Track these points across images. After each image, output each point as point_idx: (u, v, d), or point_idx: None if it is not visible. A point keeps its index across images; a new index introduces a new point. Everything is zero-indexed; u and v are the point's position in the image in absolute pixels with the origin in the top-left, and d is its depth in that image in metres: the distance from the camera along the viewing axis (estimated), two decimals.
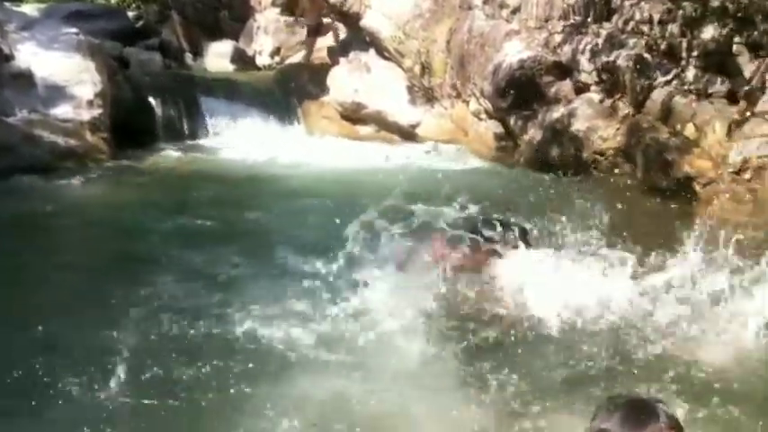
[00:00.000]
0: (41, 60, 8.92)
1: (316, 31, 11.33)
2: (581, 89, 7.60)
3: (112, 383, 3.48)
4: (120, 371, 3.53)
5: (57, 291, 4.65)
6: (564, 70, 7.75)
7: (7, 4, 13.78)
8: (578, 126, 7.43)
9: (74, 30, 10.12)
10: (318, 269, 4.56)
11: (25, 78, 8.60)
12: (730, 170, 6.14)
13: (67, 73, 8.86)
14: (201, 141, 10.24)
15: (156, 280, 4.77)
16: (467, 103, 9.31)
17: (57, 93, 8.63)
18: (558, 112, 7.68)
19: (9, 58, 8.73)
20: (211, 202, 6.87)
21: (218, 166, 8.79)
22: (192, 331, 4.05)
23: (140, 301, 4.41)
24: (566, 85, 7.77)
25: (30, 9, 13.39)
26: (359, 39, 11.89)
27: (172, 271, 4.94)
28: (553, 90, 7.82)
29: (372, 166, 8.56)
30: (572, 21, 7.73)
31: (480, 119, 8.97)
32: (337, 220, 5.22)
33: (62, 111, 8.41)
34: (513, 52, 8.10)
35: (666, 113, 6.72)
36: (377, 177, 7.88)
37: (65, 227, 6.03)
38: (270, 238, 5.75)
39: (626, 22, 7.24)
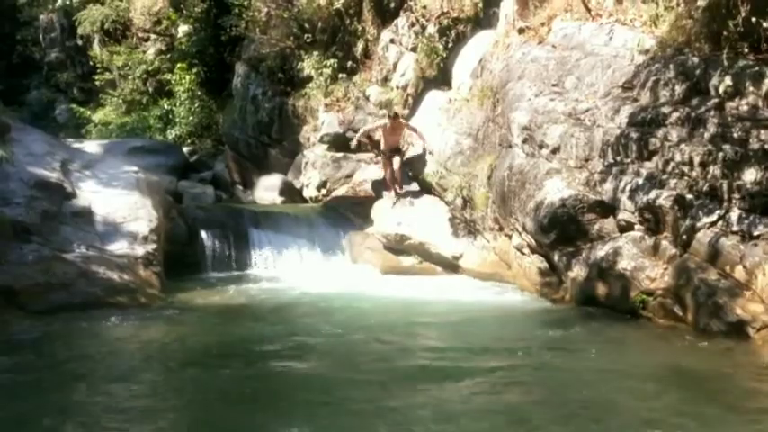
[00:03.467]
0: (102, 198, 9.41)
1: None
2: (624, 228, 7.61)
3: None
4: None
5: None
6: (606, 208, 7.81)
7: (70, 140, 14.77)
8: (624, 265, 7.39)
9: (134, 168, 10.72)
10: None
11: (85, 215, 9.02)
12: None
13: (125, 210, 9.28)
14: (249, 272, 10.48)
15: None
16: (509, 236, 9.39)
17: (114, 229, 9.00)
18: (602, 250, 7.67)
19: (71, 196, 9.23)
20: (264, 341, 6.76)
21: (266, 297, 8.86)
22: None
23: None
24: (609, 223, 7.81)
25: (92, 146, 14.26)
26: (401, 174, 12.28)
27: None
28: (596, 228, 7.85)
29: (421, 300, 8.56)
30: (611, 160, 7.87)
31: (523, 253, 9.01)
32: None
33: (118, 246, 8.72)
34: (555, 190, 8.23)
35: (714, 255, 6.65)
36: (429, 312, 7.85)
37: (113, 372, 5.93)
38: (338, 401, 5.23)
39: (666, 163, 7.34)
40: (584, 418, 4.68)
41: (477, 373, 5.68)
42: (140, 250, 8.80)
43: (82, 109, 20.57)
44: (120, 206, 9.32)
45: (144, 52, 19.86)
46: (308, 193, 13.70)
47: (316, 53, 13.85)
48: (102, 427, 4.66)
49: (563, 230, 8.04)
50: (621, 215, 7.61)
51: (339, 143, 13.35)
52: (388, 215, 11.57)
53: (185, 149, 16.93)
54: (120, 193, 9.61)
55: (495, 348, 6.40)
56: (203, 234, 10.76)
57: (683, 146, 7.16)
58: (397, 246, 10.82)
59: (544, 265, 8.59)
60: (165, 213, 10.01)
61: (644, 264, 7.25)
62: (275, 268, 10.60)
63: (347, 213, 11.88)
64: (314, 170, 13.61)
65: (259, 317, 7.92)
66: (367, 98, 13.07)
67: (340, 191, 13.27)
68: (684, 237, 6.95)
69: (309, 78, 13.98)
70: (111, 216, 9.10)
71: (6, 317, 7.10)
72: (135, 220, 9.19)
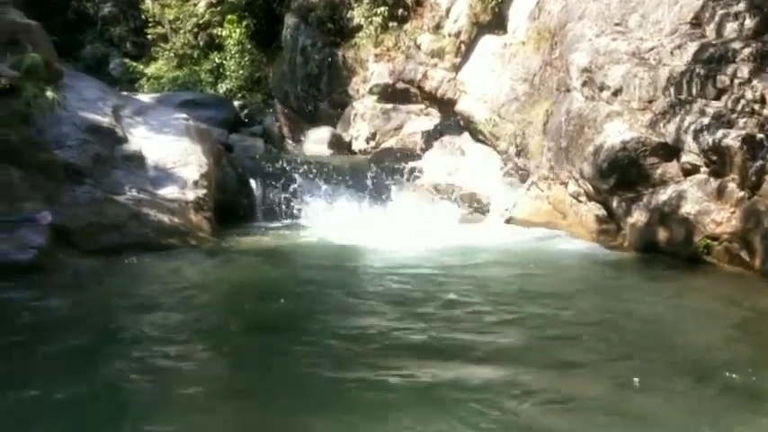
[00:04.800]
0: (153, 143, 9.40)
1: None
2: (689, 171, 7.23)
3: None
4: None
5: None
6: (670, 151, 7.42)
7: (125, 93, 14.89)
8: (688, 209, 7.03)
9: (184, 115, 10.70)
10: None
11: (137, 159, 9.05)
12: None
13: (176, 155, 9.27)
14: (298, 221, 10.43)
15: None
16: (565, 185, 9.07)
17: (165, 173, 9.00)
18: (665, 194, 7.31)
19: (122, 140, 9.25)
20: (311, 284, 6.73)
21: (315, 244, 8.82)
22: None
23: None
24: (672, 167, 7.43)
25: (145, 97, 14.35)
26: (453, 123, 12.03)
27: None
28: (659, 172, 7.49)
29: (475, 247, 8.31)
30: (676, 100, 7.45)
31: (580, 201, 8.70)
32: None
33: (169, 191, 8.73)
34: (615, 133, 7.86)
35: None
36: (484, 260, 7.63)
37: (165, 303, 5.99)
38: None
39: (736, 101, 6.90)
40: (659, 361, 4.45)
41: (543, 318, 5.44)
42: (191, 195, 8.81)
43: (135, 63, 20.76)
44: (171, 152, 9.30)
45: (195, 5, 19.84)
46: (357, 145, 13.55)
47: (366, 1, 13.55)
48: (155, 352, 4.72)
49: (623, 175, 7.69)
50: (686, 157, 7.22)
51: (389, 94, 13.10)
52: (439, 165, 11.36)
53: (236, 104, 16.92)
54: (170, 140, 9.60)
55: (559, 294, 6.15)
56: (253, 183, 10.75)
57: (754, 82, 6.72)
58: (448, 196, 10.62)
59: (602, 212, 8.28)
60: (215, 161, 9.99)
61: (709, 207, 6.88)
62: (324, 218, 10.53)
63: (397, 165, 11.70)
64: (363, 122, 13.43)
65: (308, 261, 7.87)
66: (418, 47, 12.74)
67: (389, 143, 13.08)
68: (753, 178, 6.56)
69: (359, 28, 13.71)
70: (161, 161, 9.10)
71: (61, 255, 7.20)
72: (185, 165, 9.19)
